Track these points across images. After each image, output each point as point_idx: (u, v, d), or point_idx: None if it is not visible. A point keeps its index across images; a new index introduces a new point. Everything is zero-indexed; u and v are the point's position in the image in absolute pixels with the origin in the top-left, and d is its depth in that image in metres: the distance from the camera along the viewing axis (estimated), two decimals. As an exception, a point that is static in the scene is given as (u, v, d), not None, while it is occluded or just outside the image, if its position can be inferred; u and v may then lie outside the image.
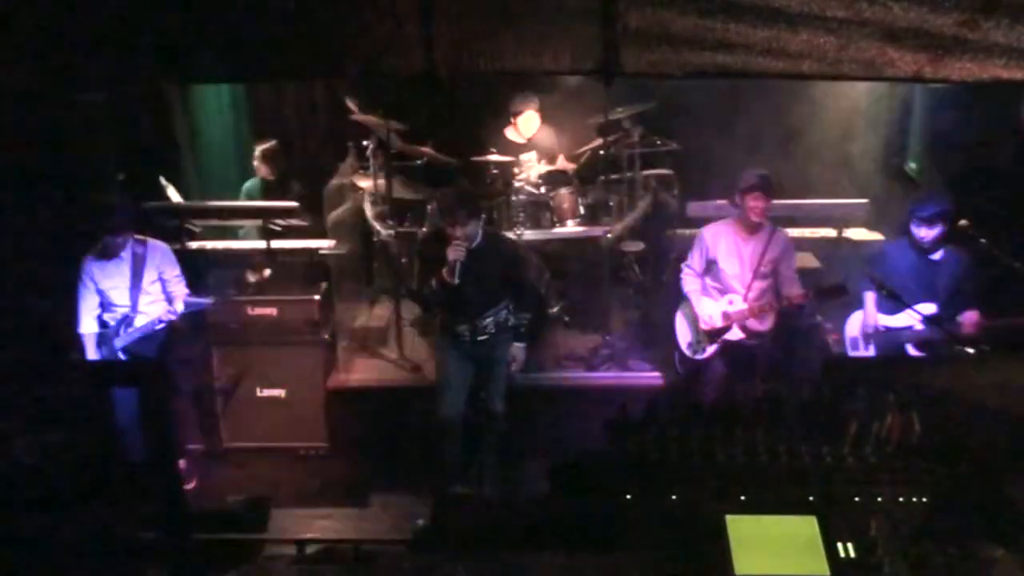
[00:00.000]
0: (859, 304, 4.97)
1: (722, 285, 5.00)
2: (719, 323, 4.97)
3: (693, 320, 5.09)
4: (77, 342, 4.88)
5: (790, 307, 4.86)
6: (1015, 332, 4.49)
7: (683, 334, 5.20)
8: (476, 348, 4.79)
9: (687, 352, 5.17)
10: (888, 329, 4.81)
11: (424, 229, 5.75)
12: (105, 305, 4.91)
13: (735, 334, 4.98)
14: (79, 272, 4.84)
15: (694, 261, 5.09)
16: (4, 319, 4.74)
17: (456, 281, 4.49)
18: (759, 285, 4.92)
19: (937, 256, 4.70)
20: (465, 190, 4.60)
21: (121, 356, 4.91)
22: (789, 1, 2.24)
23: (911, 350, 4.75)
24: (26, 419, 2.71)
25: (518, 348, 4.89)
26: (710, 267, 5.02)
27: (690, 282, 5.11)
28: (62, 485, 2.62)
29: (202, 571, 2.52)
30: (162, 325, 4.98)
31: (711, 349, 5.05)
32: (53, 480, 2.62)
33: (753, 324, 4.95)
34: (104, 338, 4.91)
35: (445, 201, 4.59)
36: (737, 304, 4.93)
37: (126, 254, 4.89)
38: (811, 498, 2.39)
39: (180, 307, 4.96)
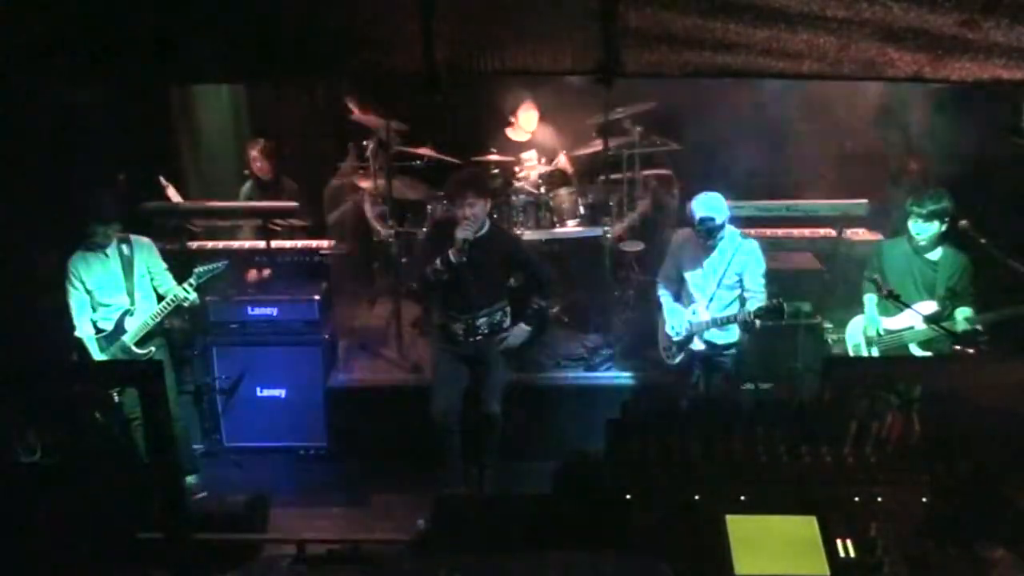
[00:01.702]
0: (861, 307, 4.95)
1: (688, 293, 4.95)
2: (682, 332, 4.92)
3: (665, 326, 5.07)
4: (77, 346, 4.87)
5: (744, 323, 4.72)
6: (1010, 322, 4.47)
7: (660, 339, 5.19)
8: (469, 349, 4.80)
9: (663, 356, 5.16)
10: (889, 331, 4.79)
11: (424, 229, 5.76)
12: (96, 307, 4.89)
13: (698, 345, 4.92)
14: (66, 274, 4.83)
15: (665, 267, 5.08)
16: (4, 319, 4.74)
17: (464, 258, 4.50)
18: (724, 296, 4.83)
19: (935, 255, 4.68)
20: (475, 172, 4.64)
21: (136, 350, 4.91)
22: (789, 1, 2.23)
23: (915, 350, 4.72)
24: (26, 419, 2.71)
25: (522, 331, 4.86)
26: (680, 275, 4.99)
27: (662, 288, 5.09)
28: (63, 484, 2.62)
29: (202, 571, 2.52)
30: (177, 305, 4.97)
31: (680, 357, 5.01)
32: (54, 479, 2.63)
33: (717, 336, 4.87)
34: (111, 338, 4.90)
35: (455, 182, 4.62)
36: (700, 314, 4.86)
37: (112, 251, 4.89)
38: (811, 498, 2.39)
39: (194, 280, 4.95)
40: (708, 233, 4.69)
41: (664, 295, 5.08)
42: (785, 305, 4.50)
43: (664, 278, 5.10)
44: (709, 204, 4.67)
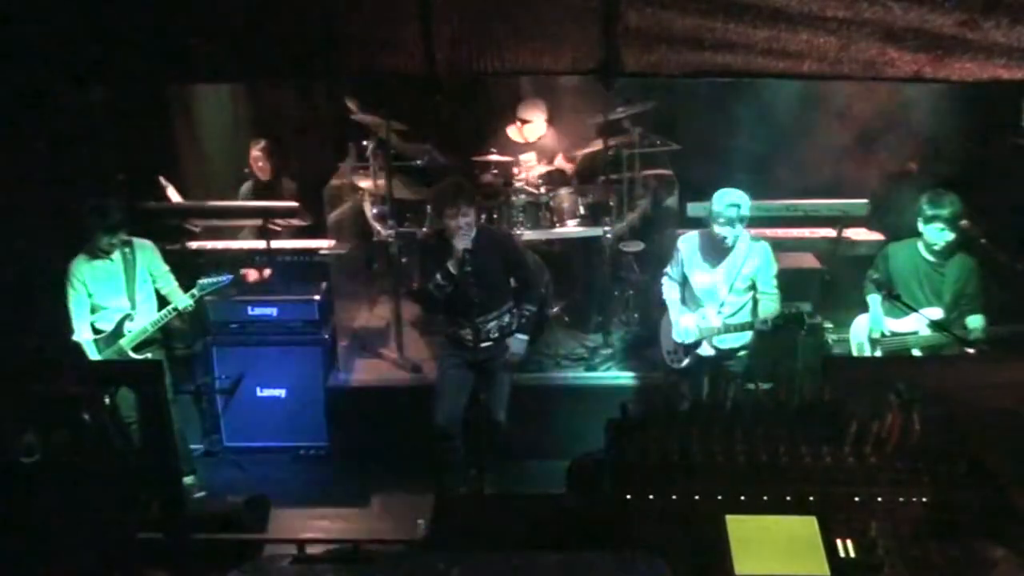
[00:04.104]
0: (864, 307, 4.94)
1: (695, 298, 4.87)
2: (691, 337, 4.86)
3: (671, 329, 5.01)
4: (75, 349, 4.85)
5: (752, 330, 4.69)
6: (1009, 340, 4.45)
7: (664, 341, 5.13)
8: (479, 355, 4.75)
9: (666, 359, 5.11)
10: (894, 333, 4.76)
11: (424, 229, 5.75)
12: (96, 309, 4.88)
13: (706, 350, 4.86)
14: (68, 276, 4.81)
15: (672, 270, 5.00)
16: (4, 319, 4.74)
17: (468, 268, 4.47)
18: (734, 300, 4.75)
19: (943, 258, 4.62)
20: (459, 181, 4.60)
21: (133, 355, 4.90)
22: (789, 1, 2.24)
23: (917, 354, 4.69)
24: (26, 419, 2.71)
25: (521, 341, 4.81)
26: (685, 279, 4.92)
27: (668, 290, 5.01)
28: (62, 485, 2.62)
29: (202, 571, 2.52)
30: (177, 313, 4.97)
31: (686, 361, 4.96)
32: (53, 480, 2.62)
33: (728, 341, 4.80)
34: (109, 340, 4.89)
35: (445, 193, 4.54)
36: (710, 319, 4.79)
37: (116, 255, 4.88)
38: (811, 498, 2.39)
39: (197, 292, 4.95)
40: (731, 223, 4.57)
41: (671, 299, 5.00)
42: (805, 315, 4.50)
43: (669, 280, 5.03)
44: (734, 194, 4.59)
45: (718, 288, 4.77)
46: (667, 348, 5.10)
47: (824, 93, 6.27)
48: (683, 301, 4.98)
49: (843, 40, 2.30)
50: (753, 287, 4.75)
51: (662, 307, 5.13)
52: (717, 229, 4.62)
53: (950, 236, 4.50)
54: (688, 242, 4.91)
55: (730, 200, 4.57)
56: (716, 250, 4.75)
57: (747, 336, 4.81)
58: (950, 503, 2.35)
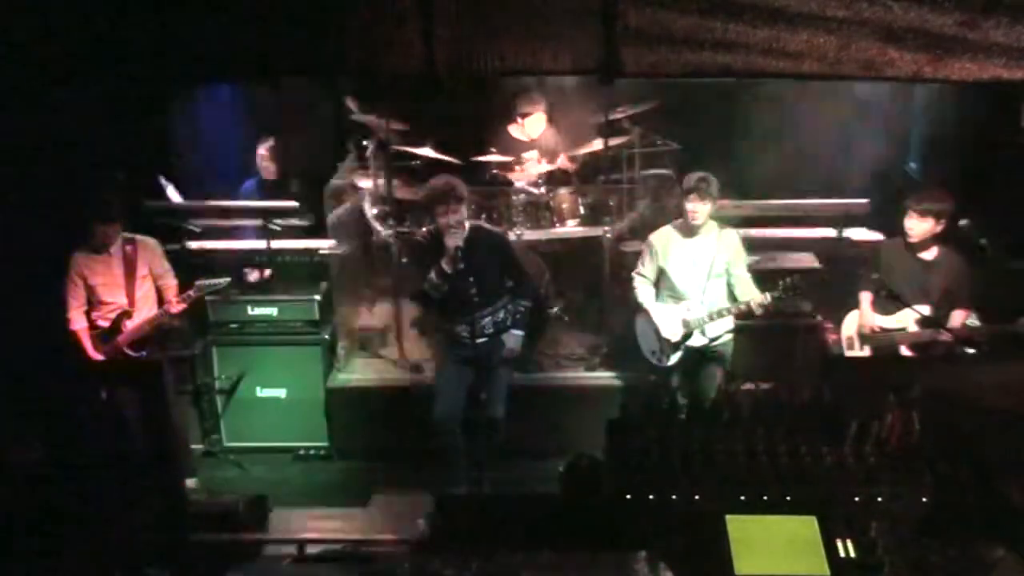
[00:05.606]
0: (856, 304, 4.96)
1: (675, 291, 4.90)
2: (680, 331, 4.88)
3: (654, 328, 4.98)
4: (73, 340, 4.86)
5: (750, 312, 4.72)
6: (1003, 337, 4.46)
7: (645, 342, 5.10)
8: (476, 351, 4.76)
9: (651, 359, 5.10)
10: (883, 329, 4.79)
11: (424, 229, 5.76)
12: (94, 303, 4.89)
13: (697, 340, 4.89)
14: (67, 268, 4.83)
15: (645, 268, 5.00)
16: (4, 319, 4.74)
17: (461, 266, 4.47)
18: (714, 287, 4.82)
19: (930, 256, 4.67)
20: (449, 179, 4.62)
21: (130, 352, 4.91)
22: (789, 1, 2.24)
23: (905, 351, 4.72)
24: (26, 419, 2.72)
25: (516, 336, 4.82)
26: (661, 274, 4.93)
27: (643, 291, 5.02)
28: (62, 485, 2.62)
29: (202, 571, 2.52)
30: (173, 313, 4.97)
31: (675, 357, 4.95)
32: (53, 480, 2.63)
33: (712, 328, 4.86)
34: (106, 337, 4.90)
35: (436, 191, 4.55)
36: (695, 310, 4.83)
37: (116, 250, 4.88)
38: (811, 498, 2.39)
39: (193, 292, 4.95)
40: (701, 198, 4.64)
41: (647, 299, 5.01)
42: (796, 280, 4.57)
43: (644, 279, 5.03)
44: (702, 173, 4.71)
45: (697, 277, 4.83)
46: (650, 349, 5.08)
47: (825, 92, 6.26)
48: (660, 297, 5.00)
49: (843, 40, 2.30)
50: (727, 273, 4.81)
51: (637, 308, 5.10)
52: (688, 206, 4.70)
53: (923, 228, 4.54)
54: (660, 236, 4.96)
55: (699, 175, 4.68)
56: (688, 237, 4.83)
57: (728, 322, 4.86)
58: (950, 503, 2.35)
